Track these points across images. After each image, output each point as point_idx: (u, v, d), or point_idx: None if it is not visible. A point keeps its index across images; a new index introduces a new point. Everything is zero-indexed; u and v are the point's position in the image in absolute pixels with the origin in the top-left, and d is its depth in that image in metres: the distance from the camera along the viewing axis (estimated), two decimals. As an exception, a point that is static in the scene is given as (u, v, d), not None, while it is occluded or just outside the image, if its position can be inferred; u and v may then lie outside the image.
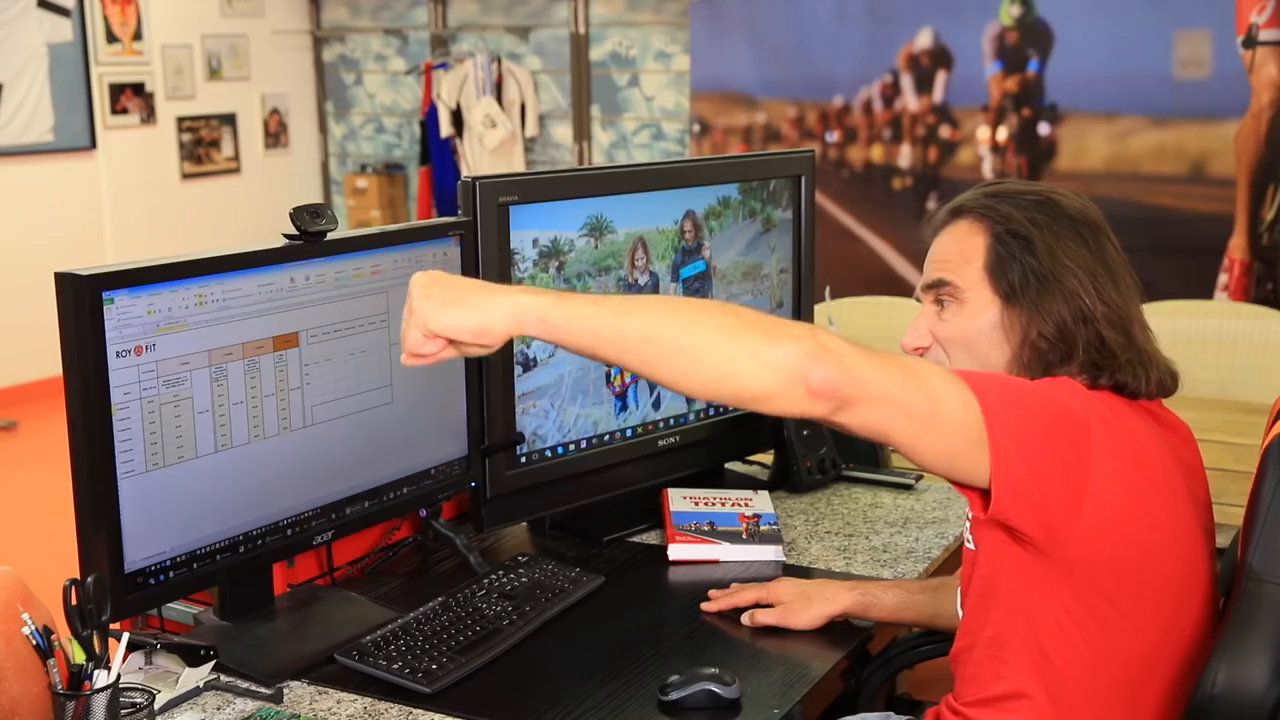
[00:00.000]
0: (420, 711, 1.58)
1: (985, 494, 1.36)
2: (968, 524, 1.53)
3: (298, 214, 1.72)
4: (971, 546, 1.51)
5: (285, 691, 1.61)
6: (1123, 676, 1.42)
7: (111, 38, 6.88)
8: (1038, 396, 1.38)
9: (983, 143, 5.73)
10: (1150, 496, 1.40)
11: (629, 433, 2.18)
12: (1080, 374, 1.48)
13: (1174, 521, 1.43)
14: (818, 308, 2.65)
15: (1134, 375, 1.47)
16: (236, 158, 7.59)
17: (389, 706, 1.59)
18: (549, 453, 2.07)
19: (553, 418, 2.07)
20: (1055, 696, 1.42)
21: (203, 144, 7.41)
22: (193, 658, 1.63)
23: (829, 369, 1.25)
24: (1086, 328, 1.48)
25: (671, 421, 2.24)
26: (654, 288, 2.17)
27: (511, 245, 1.96)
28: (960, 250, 1.55)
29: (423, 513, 2.02)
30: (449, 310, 1.30)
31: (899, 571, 2.01)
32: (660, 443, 2.22)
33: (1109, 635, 1.40)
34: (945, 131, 5.82)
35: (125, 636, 1.43)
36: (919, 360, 1.45)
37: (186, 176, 7.34)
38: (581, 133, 7.04)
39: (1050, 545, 1.36)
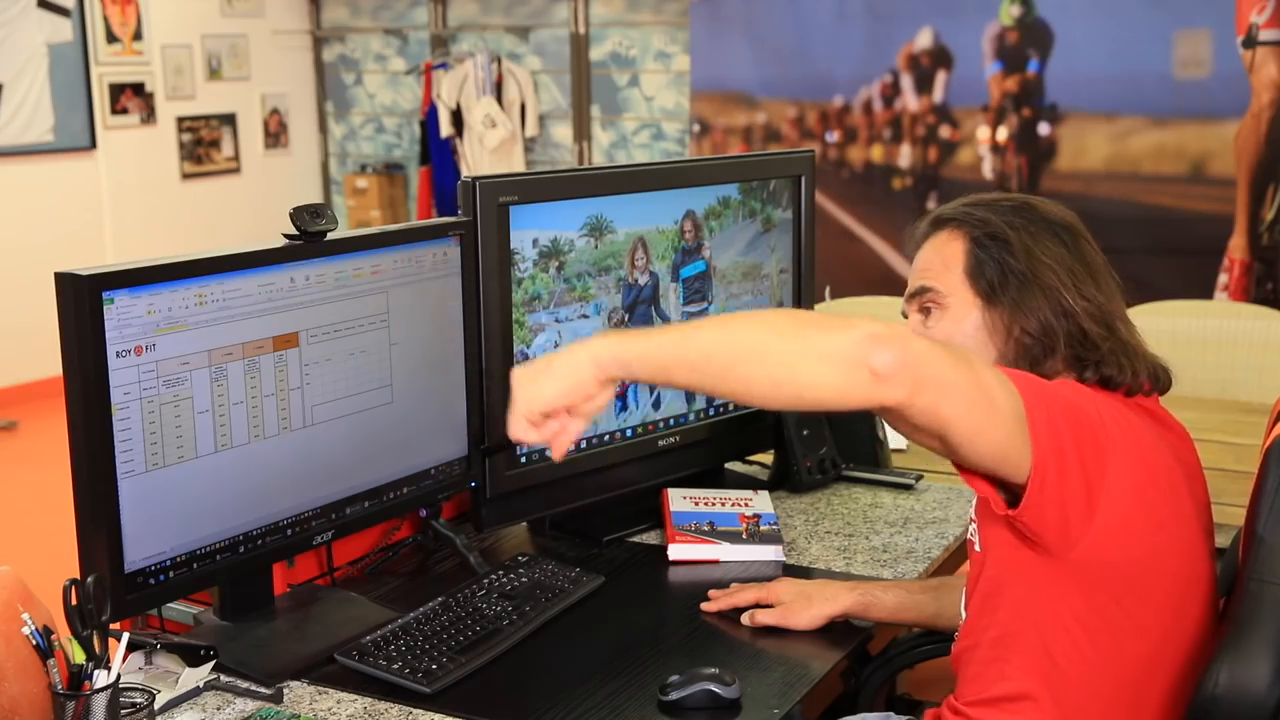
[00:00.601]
0: (420, 711, 1.58)
1: (1004, 492, 1.36)
2: (973, 524, 1.53)
3: (298, 214, 1.72)
4: (978, 548, 1.51)
5: (285, 691, 1.61)
6: (1126, 677, 1.42)
7: (111, 38, 6.88)
8: (1060, 394, 1.38)
9: (983, 143, 5.73)
10: (1154, 496, 1.40)
11: (629, 433, 2.17)
12: (1066, 370, 1.49)
13: (1177, 521, 1.43)
14: (817, 308, 2.64)
15: (1119, 368, 1.47)
16: (236, 158, 7.59)
17: (389, 706, 1.59)
18: (549, 452, 2.06)
19: (553, 418, 2.06)
20: (1058, 697, 1.42)
21: (203, 144, 7.40)
22: (193, 658, 1.62)
23: (893, 349, 1.23)
24: (1068, 321, 1.49)
25: (671, 421, 2.24)
26: (654, 288, 2.17)
27: (511, 245, 1.96)
28: (941, 258, 1.57)
29: (423, 513, 2.02)
30: (540, 384, 1.35)
31: (899, 571, 2.00)
32: (660, 443, 2.22)
33: (1113, 636, 1.40)
34: (945, 131, 5.82)
35: (125, 636, 1.43)
36: (964, 348, 1.44)
37: (186, 176, 7.34)
38: (581, 133, 7.04)
39: (1062, 547, 1.36)
